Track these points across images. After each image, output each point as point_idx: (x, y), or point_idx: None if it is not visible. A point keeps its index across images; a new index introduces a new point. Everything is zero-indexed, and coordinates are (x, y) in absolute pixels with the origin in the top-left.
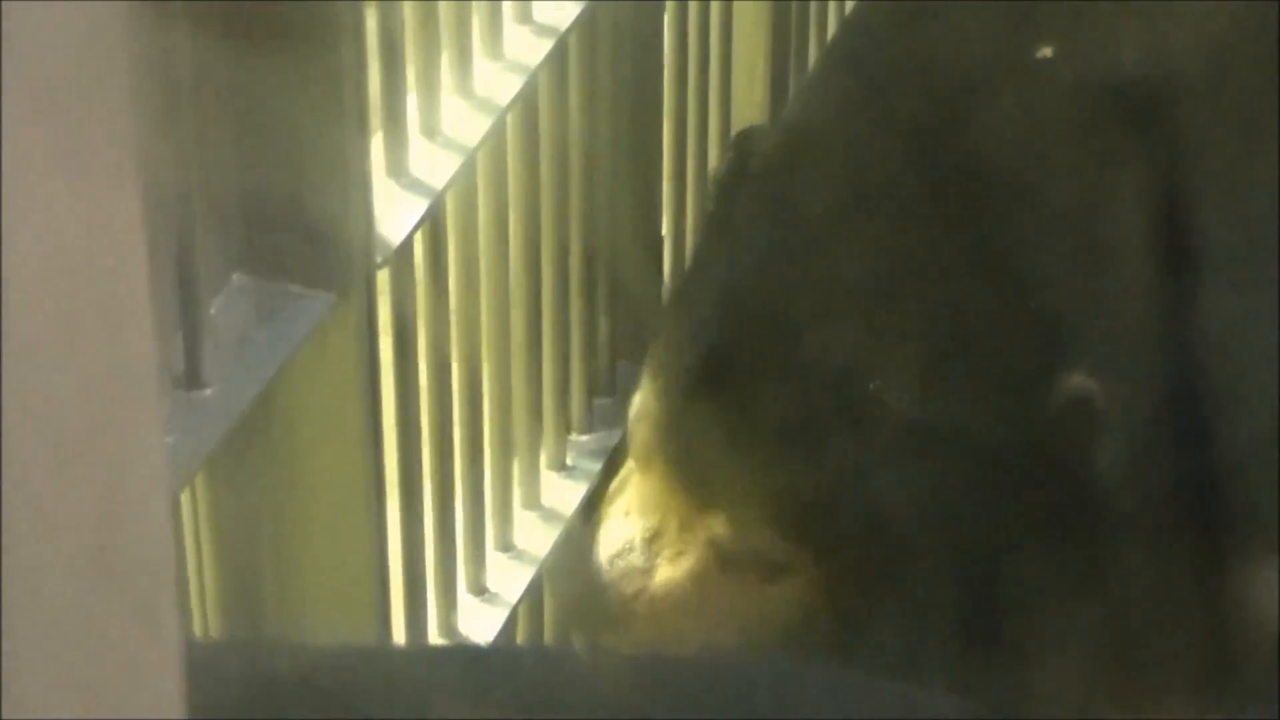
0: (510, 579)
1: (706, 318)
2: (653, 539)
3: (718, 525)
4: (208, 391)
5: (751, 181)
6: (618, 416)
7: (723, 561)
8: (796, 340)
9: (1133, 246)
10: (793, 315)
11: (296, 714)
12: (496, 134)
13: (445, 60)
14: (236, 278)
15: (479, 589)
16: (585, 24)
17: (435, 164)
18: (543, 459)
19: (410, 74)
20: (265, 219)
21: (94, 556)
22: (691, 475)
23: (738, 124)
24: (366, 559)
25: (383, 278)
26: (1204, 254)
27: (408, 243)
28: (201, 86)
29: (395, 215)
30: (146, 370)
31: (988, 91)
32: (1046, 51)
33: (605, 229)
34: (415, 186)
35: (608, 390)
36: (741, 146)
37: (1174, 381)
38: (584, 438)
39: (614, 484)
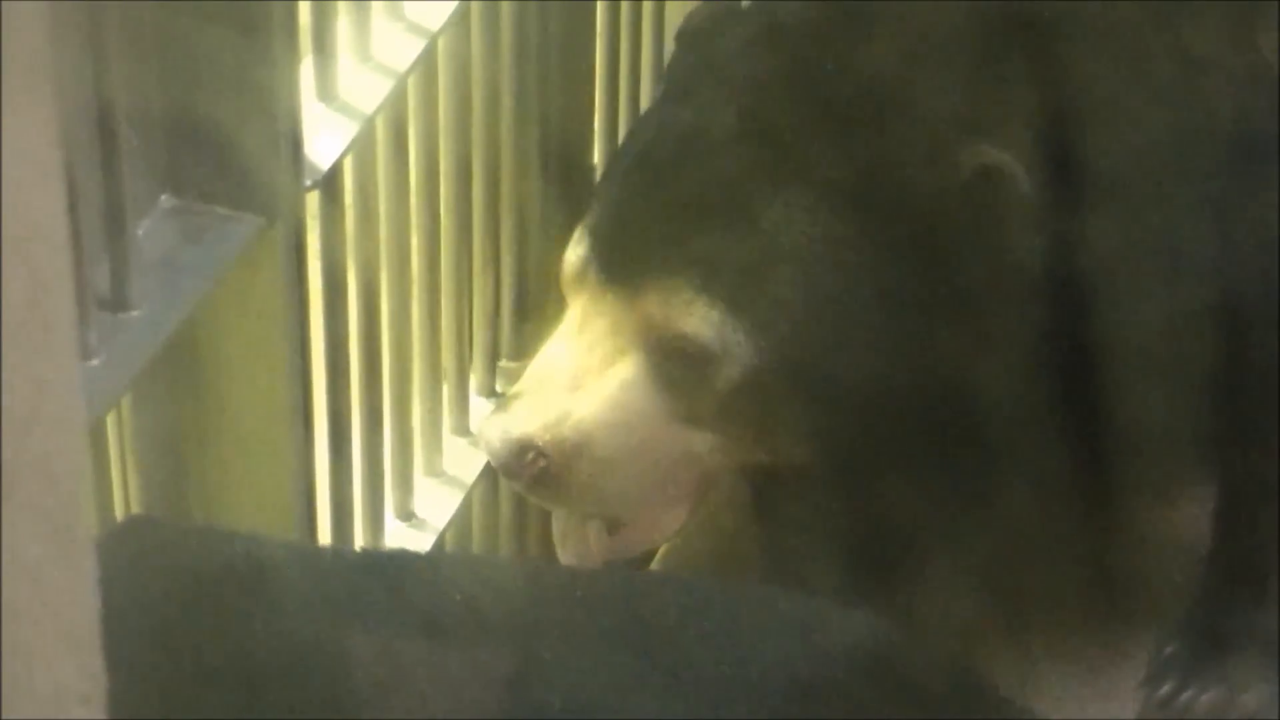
0: (438, 505)
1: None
2: (585, 353)
3: (653, 305)
4: (134, 314)
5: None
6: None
7: (659, 355)
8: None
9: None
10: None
11: (218, 598)
12: (428, 58)
13: None
14: (164, 200)
15: (406, 514)
16: None
17: (366, 88)
18: (472, 385)
19: None
20: (193, 141)
21: (7, 483)
22: (627, 255)
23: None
24: (293, 485)
25: (312, 201)
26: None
27: (337, 167)
28: (130, 7)
29: (325, 139)
30: (64, 299)
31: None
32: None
33: (536, 154)
34: (345, 110)
35: (537, 317)
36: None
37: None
38: (513, 364)
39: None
